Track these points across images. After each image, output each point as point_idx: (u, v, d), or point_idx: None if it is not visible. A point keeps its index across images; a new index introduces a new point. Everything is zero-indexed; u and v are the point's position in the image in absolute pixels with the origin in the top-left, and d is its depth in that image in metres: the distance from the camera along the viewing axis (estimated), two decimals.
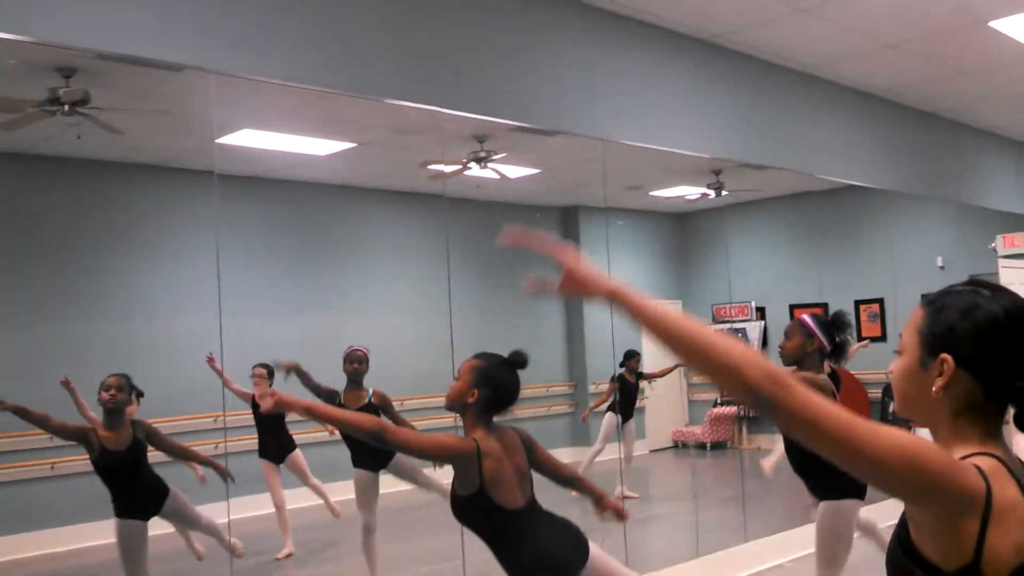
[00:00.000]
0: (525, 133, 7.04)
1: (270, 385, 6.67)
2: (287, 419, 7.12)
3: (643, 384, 9.93)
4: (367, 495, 6.41)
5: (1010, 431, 1.59)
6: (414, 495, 8.43)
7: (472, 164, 7.72)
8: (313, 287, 9.15)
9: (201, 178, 6.36)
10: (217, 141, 7.24)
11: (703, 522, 8.66)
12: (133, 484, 4.89)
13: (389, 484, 9.03)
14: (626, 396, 9.25)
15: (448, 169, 7.90)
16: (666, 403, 11.67)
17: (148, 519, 4.94)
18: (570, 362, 11.42)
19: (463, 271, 10.28)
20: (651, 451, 11.49)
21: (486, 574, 3.92)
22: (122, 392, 4.90)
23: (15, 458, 6.84)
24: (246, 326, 8.12)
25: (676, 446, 11.90)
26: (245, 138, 7.27)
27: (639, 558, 6.51)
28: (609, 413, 9.29)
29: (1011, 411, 1.59)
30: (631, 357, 9.24)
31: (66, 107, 5.69)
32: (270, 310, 8.48)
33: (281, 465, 7.12)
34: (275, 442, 7.03)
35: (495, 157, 7.64)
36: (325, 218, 9.31)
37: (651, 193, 10.63)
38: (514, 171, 8.63)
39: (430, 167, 8.00)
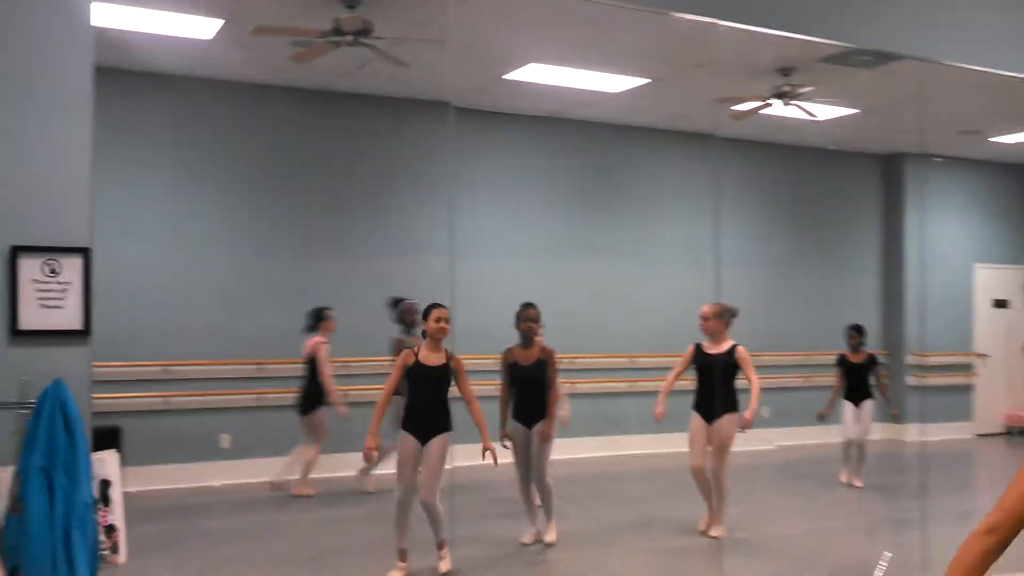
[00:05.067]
0: (835, 66, 6.15)
1: None
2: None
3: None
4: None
5: None
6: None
7: (774, 101, 6.93)
8: (584, 231, 8.74)
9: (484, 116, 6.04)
10: (503, 77, 7.02)
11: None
12: None
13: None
14: (850, 378, 7.64)
15: (747, 107, 7.16)
16: (1000, 382, 10.17)
17: None
18: (886, 329, 10.18)
19: (754, 221, 9.46)
20: (977, 435, 10.03)
21: None
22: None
23: None
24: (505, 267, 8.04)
25: (1009, 432, 10.29)
26: (530, 73, 6.95)
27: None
28: (845, 402, 7.71)
29: None
30: (851, 334, 7.63)
31: (350, 37, 5.61)
32: (527, 253, 8.33)
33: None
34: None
35: (800, 92, 6.79)
36: (600, 159, 8.84)
37: (991, 139, 9.18)
38: (824, 110, 7.69)
39: (731, 106, 7.29)
